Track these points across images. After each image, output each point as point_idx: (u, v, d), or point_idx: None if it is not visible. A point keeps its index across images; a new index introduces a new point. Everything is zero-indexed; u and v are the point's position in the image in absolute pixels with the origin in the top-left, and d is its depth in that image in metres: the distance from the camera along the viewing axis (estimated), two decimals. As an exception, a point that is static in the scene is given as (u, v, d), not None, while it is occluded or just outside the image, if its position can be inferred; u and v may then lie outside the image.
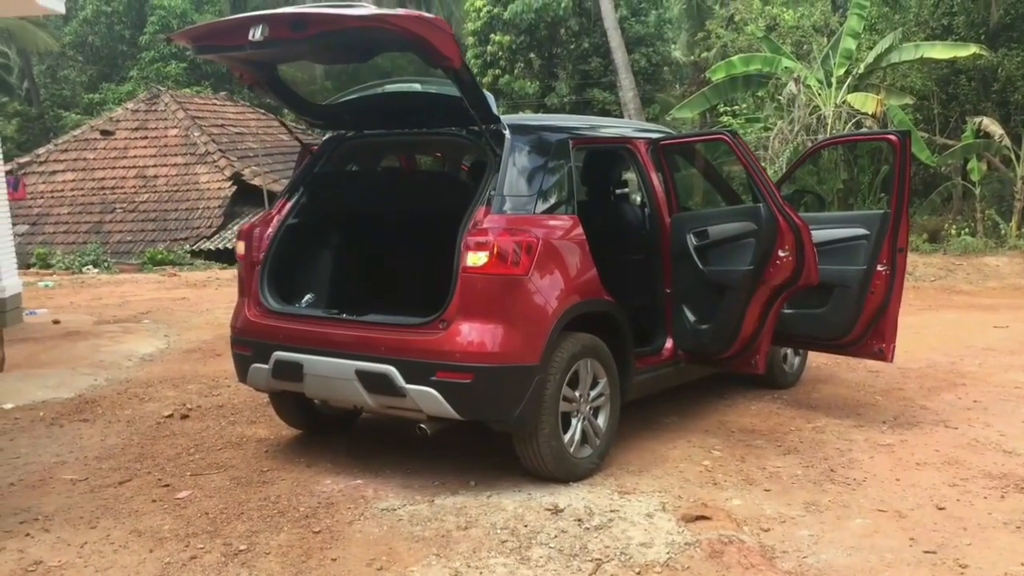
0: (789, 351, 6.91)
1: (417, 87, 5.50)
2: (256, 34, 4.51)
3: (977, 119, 15.92)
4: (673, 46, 32.14)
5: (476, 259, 4.60)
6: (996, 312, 10.78)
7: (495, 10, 28.57)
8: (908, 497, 4.80)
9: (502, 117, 5.00)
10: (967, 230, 15.69)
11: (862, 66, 16.27)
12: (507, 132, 4.93)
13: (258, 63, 5.19)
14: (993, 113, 16.78)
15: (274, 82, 5.32)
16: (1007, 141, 15.37)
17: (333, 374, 4.89)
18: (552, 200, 5.09)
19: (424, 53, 4.50)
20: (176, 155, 20.62)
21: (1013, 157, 15.62)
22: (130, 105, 23.00)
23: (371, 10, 4.47)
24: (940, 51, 15.92)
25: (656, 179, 5.80)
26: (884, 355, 5.92)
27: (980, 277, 13.59)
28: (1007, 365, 7.78)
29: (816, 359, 7.50)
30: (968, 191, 16.52)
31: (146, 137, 21.30)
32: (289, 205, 5.56)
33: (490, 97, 4.85)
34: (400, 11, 4.74)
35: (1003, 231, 15.52)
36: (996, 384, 7.12)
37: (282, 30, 4.51)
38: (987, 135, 15.57)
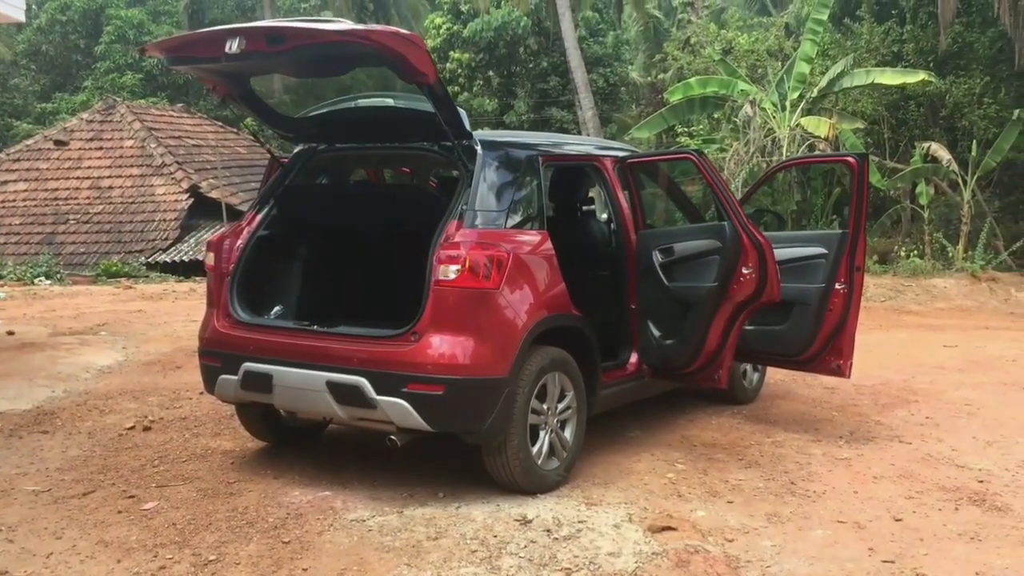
0: (749, 367, 7.05)
1: (390, 102, 5.55)
2: (232, 47, 4.54)
3: (925, 144, 16.38)
4: (630, 67, 32.57)
5: (448, 272, 4.66)
6: (945, 332, 11.07)
7: (455, 27, 28.78)
8: (866, 509, 4.93)
9: (474, 133, 5.08)
10: (916, 252, 16.09)
11: (815, 90, 16.66)
12: (479, 148, 5.01)
13: (232, 76, 5.22)
14: (941, 138, 17.26)
15: (247, 95, 5.34)
16: (954, 166, 15.82)
17: (303, 385, 4.90)
18: (522, 215, 5.17)
19: (400, 69, 4.56)
20: (132, 166, 20.38)
21: (960, 182, 16.08)
22: (85, 115, 22.72)
23: (348, 26, 4.52)
24: (890, 77, 16.37)
25: (623, 196, 5.91)
26: (842, 371, 6.07)
27: (929, 298, 13.94)
28: (957, 383, 8.01)
29: (774, 375, 7.65)
30: (917, 214, 16.96)
31: (101, 148, 21.04)
32: (259, 217, 5.56)
33: (463, 113, 4.93)
34: (376, 27, 4.81)
35: (950, 254, 15.94)
36: (947, 401, 7.32)
37: (259, 44, 4.54)
38: (935, 160, 16.01)
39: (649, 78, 29.92)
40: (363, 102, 5.66)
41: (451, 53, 28.76)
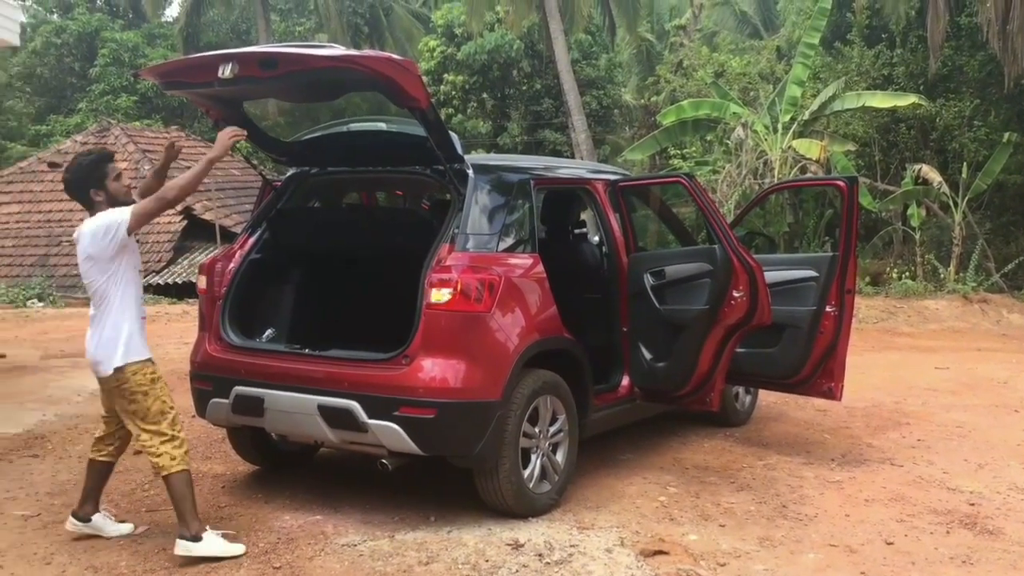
0: (741, 390, 7.06)
1: (382, 126, 5.58)
2: (225, 71, 4.57)
3: (916, 166, 16.43)
4: (623, 89, 32.71)
5: (440, 296, 4.67)
6: (936, 354, 11.10)
7: (448, 50, 28.89)
8: (858, 533, 4.93)
9: (466, 157, 5.11)
10: (907, 274, 16.11)
11: (807, 113, 16.75)
12: (471, 171, 5.03)
13: (225, 100, 5.24)
14: (932, 161, 17.33)
15: (241, 119, 5.37)
16: (945, 188, 15.88)
17: (294, 409, 4.90)
18: (514, 238, 5.19)
19: (392, 94, 4.59)
20: (125, 188, 20.37)
21: (951, 204, 16.13)
22: (79, 137, 22.69)
23: (340, 51, 4.55)
24: (881, 100, 16.46)
25: (614, 219, 5.93)
26: (833, 394, 6.08)
27: (920, 320, 13.97)
28: (948, 405, 8.03)
29: (766, 397, 7.66)
30: (908, 236, 17.00)
31: (95, 170, 21.03)
32: (252, 240, 5.58)
33: (455, 137, 4.95)
34: (369, 52, 4.84)
35: (942, 275, 15.97)
36: (939, 423, 7.33)
37: (252, 68, 4.57)
38: (926, 182, 16.06)
39: (642, 100, 30.05)
40: (355, 126, 5.68)
41: (445, 76, 28.86)
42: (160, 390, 4.51)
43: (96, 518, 4.74)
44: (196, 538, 4.41)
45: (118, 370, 4.41)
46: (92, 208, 4.53)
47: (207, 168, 4.52)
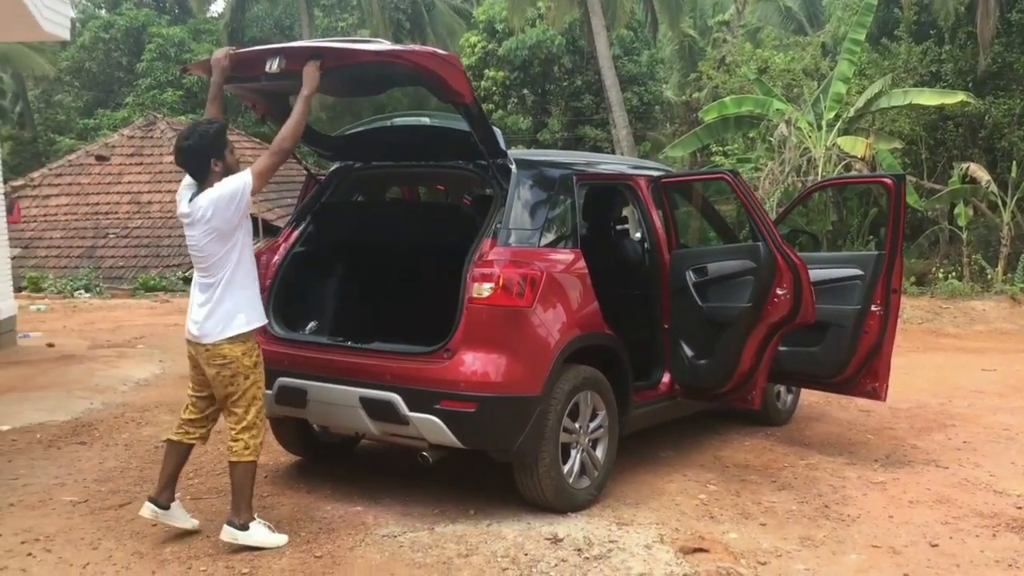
0: (782, 388, 7.00)
1: (426, 121, 5.60)
2: (272, 66, 4.62)
3: (964, 165, 16.18)
4: (664, 85, 32.54)
5: (481, 290, 4.68)
6: (983, 355, 10.91)
7: (489, 46, 28.94)
8: (901, 534, 4.87)
9: (508, 152, 5.12)
10: (954, 274, 15.87)
11: (852, 110, 16.53)
12: (514, 167, 5.03)
13: (272, 94, 5.30)
14: (980, 159, 17.06)
15: (286, 112, 5.41)
16: (993, 187, 15.62)
17: (337, 401, 4.94)
18: (556, 234, 5.19)
19: (437, 88, 4.61)
20: (171, 181, 20.62)
21: (999, 203, 15.87)
22: (126, 131, 23.08)
23: (386, 46, 4.58)
24: (928, 97, 16.20)
25: (657, 216, 5.91)
26: (878, 394, 6.01)
27: (967, 321, 13.73)
28: (995, 407, 7.89)
29: (808, 397, 7.59)
30: (955, 235, 16.75)
31: (141, 163, 21.36)
32: (296, 233, 5.63)
33: (499, 132, 4.96)
34: (414, 47, 4.86)
35: (989, 276, 15.71)
36: (985, 425, 7.22)
37: (298, 63, 4.61)
38: (974, 181, 15.81)
39: (683, 97, 29.88)
40: (399, 121, 5.72)
41: (486, 71, 28.91)
42: (259, 375, 4.54)
43: (174, 506, 4.64)
44: (244, 527, 4.47)
45: (231, 340, 4.40)
46: (206, 179, 4.44)
47: (307, 106, 4.52)
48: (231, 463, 4.52)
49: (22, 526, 4.82)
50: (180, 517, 4.68)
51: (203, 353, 4.47)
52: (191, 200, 4.46)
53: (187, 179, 4.56)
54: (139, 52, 31.80)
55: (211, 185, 4.42)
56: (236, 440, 4.48)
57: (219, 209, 4.35)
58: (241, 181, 4.39)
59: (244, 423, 4.49)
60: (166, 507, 4.60)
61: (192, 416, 4.67)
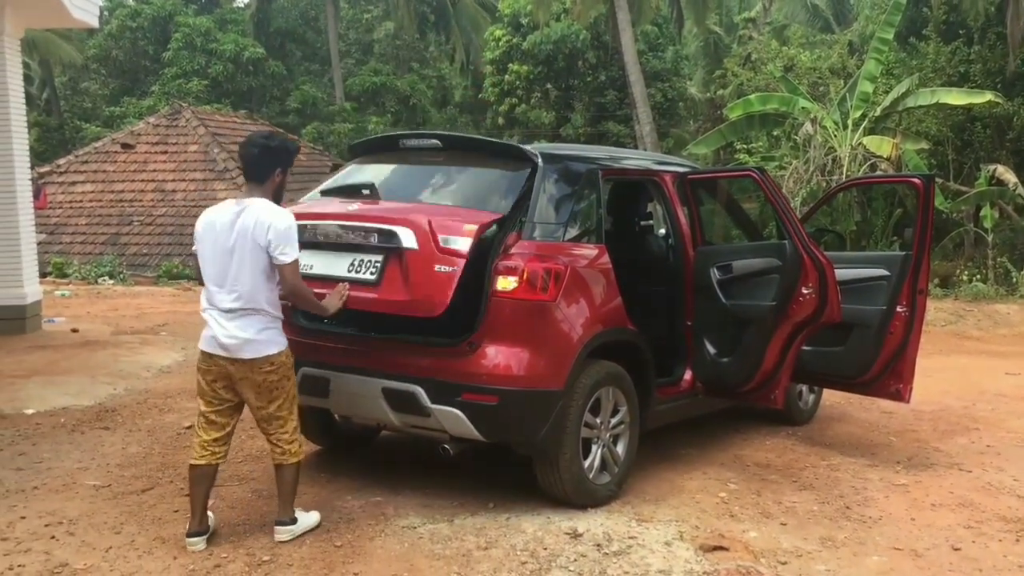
0: (805, 388, 6.96)
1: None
2: None
3: (991, 166, 16.02)
4: (689, 82, 32.43)
5: (506, 284, 4.67)
6: (1007, 359, 10.80)
7: (514, 40, 28.93)
8: (924, 537, 4.83)
9: (534, 146, 5.11)
10: (978, 277, 15.72)
11: (878, 109, 16.41)
12: (539, 161, 5.03)
13: None
14: (1007, 161, 16.89)
15: None
16: (1020, 189, 15.46)
17: (359, 391, 4.96)
18: (580, 229, 5.17)
19: None
20: (195, 171, 20.79)
21: (1026, 205, 15.73)
22: (151, 120, 23.22)
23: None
24: (956, 97, 16.04)
25: (682, 212, 5.88)
26: (901, 395, 5.96)
27: (991, 324, 13.61)
28: (1020, 411, 7.81)
29: (830, 397, 7.54)
30: (980, 238, 16.59)
31: (166, 152, 21.49)
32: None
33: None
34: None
35: (1015, 279, 15.55)
36: (1009, 430, 7.15)
37: None
38: (1000, 183, 15.66)
39: (708, 94, 29.78)
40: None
41: (510, 65, 28.91)
42: (294, 377, 4.56)
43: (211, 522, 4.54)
44: (293, 520, 4.52)
45: (276, 354, 4.39)
46: (260, 186, 4.40)
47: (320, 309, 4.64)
48: (281, 465, 4.50)
49: (46, 509, 4.87)
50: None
51: (239, 365, 4.38)
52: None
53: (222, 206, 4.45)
54: (166, 41, 32.00)
55: (256, 194, 4.39)
56: (292, 442, 4.50)
57: (279, 236, 4.30)
58: (294, 243, 4.35)
59: (294, 424, 4.53)
60: (207, 531, 4.48)
61: (217, 435, 4.49)
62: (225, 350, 4.35)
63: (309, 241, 4.90)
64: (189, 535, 4.41)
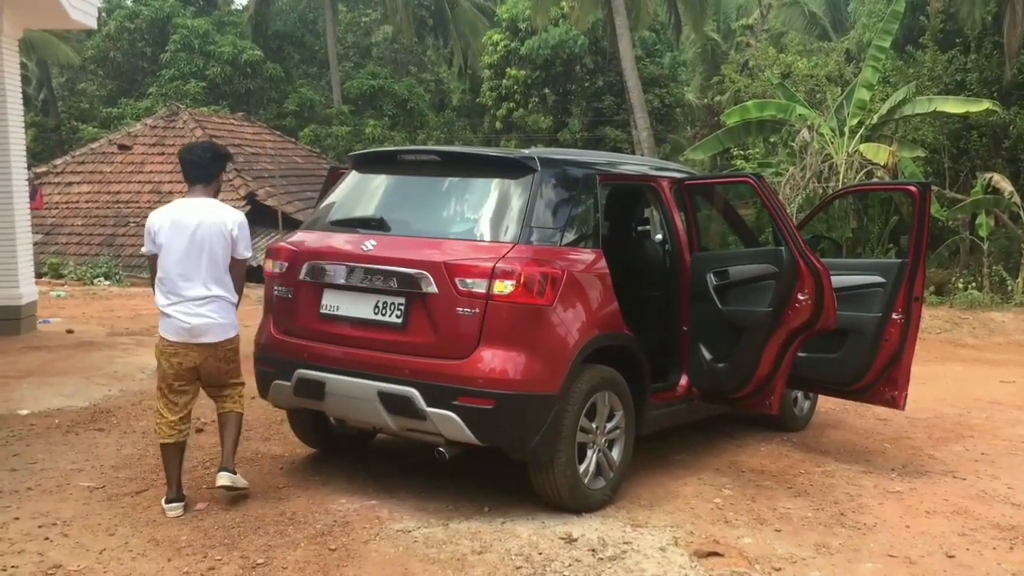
0: (800, 394, 6.97)
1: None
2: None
3: (987, 175, 16.06)
4: (686, 88, 32.50)
5: (502, 288, 4.67)
6: (1002, 367, 10.82)
7: (512, 45, 28.98)
8: (918, 544, 4.84)
9: (532, 151, 5.11)
10: (974, 284, 15.74)
11: (875, 117, 16.44)
12: (537, 166, 5.03)
13: None
14: (1003, 169, 16.93)
15: None
16: (1016, 198, 15.50)
17: (355, 394, 4.95)
18: (577, 233, 5.18)
19: None
20: (192, 172, 20.76)
21: (1022, 214, 15.74)
22: (149, 121, 23.22)
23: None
24: (953, 106, 16.08)
25: (679, 218, 5.89)
26: (896, 402, 5.97)
27: (986, 332, 13.63)
28: (1014, 420, 7.83)
29: (824, 404, 7.55)
30: (976, 246, 16.62)
31: (163, 153, 21.46)
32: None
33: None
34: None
35: (1010, 287, 15.58)
36: (1004, 437, 7.16)
37: None
38: (996, 191, 15.69)
39: (705, 100, 29.85)
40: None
41: (508, 70, 28.95)
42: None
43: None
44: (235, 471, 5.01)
45: (235, 336, 5.03)
46: (208, 187, 5.01)
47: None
48: (236, 415, 5.09)
49: (40, 510, 4.86)
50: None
51: (209, 346, 4.95)
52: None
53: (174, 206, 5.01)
54: (163, 43, 31.95)
55: (207, 193, 5.01)
56: (241, 398, 5.15)
57: (243, 233, 5.05)
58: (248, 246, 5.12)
59: (241, 377, 5.14)
60: (184, 498, 4.94)
61: (182, 414, 4.99)
62: (195, 336, 4.88)
63: (330, 283, 5.13)
64: (168, 501, 4.88)
